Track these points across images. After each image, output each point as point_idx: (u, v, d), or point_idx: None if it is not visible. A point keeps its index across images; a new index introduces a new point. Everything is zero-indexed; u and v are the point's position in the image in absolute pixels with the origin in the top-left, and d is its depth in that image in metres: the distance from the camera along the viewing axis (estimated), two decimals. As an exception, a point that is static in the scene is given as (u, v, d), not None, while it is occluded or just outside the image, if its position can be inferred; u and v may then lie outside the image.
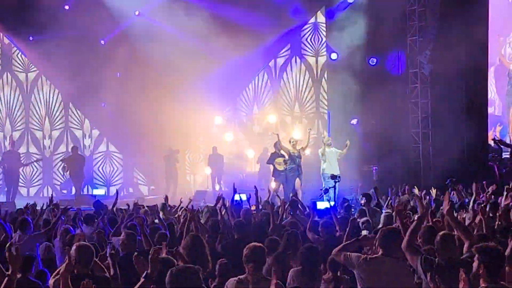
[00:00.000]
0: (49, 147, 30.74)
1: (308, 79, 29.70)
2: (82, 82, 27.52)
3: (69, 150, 28.41)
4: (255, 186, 15.90)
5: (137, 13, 27.91)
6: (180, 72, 26.36)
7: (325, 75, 29.13)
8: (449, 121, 25.43)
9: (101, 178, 30.08)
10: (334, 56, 27.79)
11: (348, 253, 8.09)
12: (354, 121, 26.43)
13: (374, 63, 27.00)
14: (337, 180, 21.42)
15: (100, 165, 30.33)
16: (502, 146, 26.36)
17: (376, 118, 25.95)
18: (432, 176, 25.52)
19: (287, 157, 23.00)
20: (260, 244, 7.76)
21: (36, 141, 30.79)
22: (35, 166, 30.10)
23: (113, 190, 20.29)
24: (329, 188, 21.49)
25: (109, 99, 28.13)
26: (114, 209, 16.07)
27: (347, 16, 26.94)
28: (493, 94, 28.88)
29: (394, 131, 25.73)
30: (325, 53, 28.97)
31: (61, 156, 29.42)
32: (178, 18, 26.02)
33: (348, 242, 8.45)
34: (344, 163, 23.70)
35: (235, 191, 16.14)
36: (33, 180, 30.45)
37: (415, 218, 10.08)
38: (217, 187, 26.44)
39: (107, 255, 8.72)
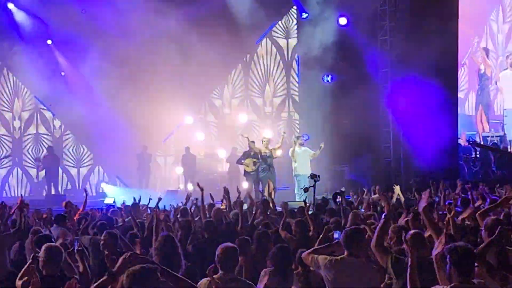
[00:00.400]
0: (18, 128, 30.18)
1: (279, 61, 29.89)
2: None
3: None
4: (224, 187, 15.83)
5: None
6: (153, 70, 26.24)
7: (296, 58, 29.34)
8: (420, 121, 25.54)
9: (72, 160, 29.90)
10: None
11: (316, 255, 8.10)
12: (325, 124, 26.34)
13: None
14: (317, 180, 21.39)
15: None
16: (477, 148, 26.63)
17: (349, 117, 26.01)
18: (404, 175, 25.65)
19: (258, 157, 23.00)
20: (233, 245, 7.75)
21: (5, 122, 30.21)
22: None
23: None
24: (309, 187, 21.46)
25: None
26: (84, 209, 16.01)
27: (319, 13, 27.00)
28: (464, 93, 29.03)
29: (366, 130, 25.80)
30: (295, 35, 29.18)
31: (30, 138, 29.34)
32: (151, 16, 25.92)
33: (319, 246, 8.44)
34: (315, 163, 23.70)
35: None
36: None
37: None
38: (190, 187, 26.34)
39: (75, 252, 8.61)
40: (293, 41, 29.77)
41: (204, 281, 7.32)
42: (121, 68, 26.14)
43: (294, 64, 29.74)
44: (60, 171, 28.29)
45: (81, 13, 27.26)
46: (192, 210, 14.12)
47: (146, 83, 26.88)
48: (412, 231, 7.91)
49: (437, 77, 25.77)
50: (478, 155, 26.88)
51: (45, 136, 29.87)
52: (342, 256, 7.92)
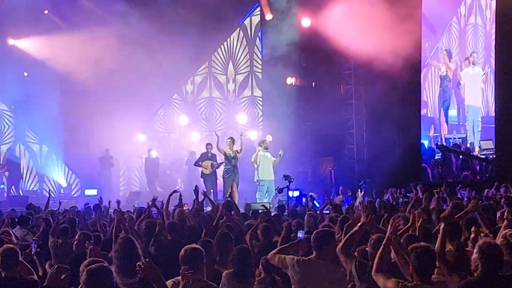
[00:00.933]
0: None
1: (242, 38, 29.97)
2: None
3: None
4: (196, 186, 15.73)
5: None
6: (113, 72, 26.01)
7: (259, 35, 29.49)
8: (383, 123, 25.66)
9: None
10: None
11: (283, 255, 8.11)
12: (288, 125, 26.41)
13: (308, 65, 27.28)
14: (291, 180, 21.43)
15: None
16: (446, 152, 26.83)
17: (312, 119, 26.08)
18: (367, 176, 25.75)
19: (215, 159, 23.06)
20: (197, 246, 7.71)
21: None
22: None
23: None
24: (283, 188, 21.49)
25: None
26: (47, 211, 15.89)
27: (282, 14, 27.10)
28: (426, 95, 29.21)
29: (329, 132, 25.86)
30: (258, 13, 29.25)
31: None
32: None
33: (284, 245, 8.44)
34: (277, 164, 23.70)
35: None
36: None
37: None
38: (147, 189, 26.24)
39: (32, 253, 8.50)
40: (256, 19, 29.76)
41: (169, 282, 7.28)
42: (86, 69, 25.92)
43: (258, 42, 29.72)
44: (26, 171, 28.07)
45: (45, 14, 27.05)
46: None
47: (112, 85, 26.60)
48: (375, 236, 7.92)
49: (400, 79, 25.93)
50: (441, 158, 27.06)
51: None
52: (310, 257, 7.92)
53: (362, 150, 27.01)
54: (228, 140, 22.71)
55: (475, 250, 6.54)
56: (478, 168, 26.63)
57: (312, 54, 27.01)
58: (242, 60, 30.04)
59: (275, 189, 22.09)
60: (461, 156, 27.19)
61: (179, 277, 7.15)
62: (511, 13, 26.89)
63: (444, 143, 27.54)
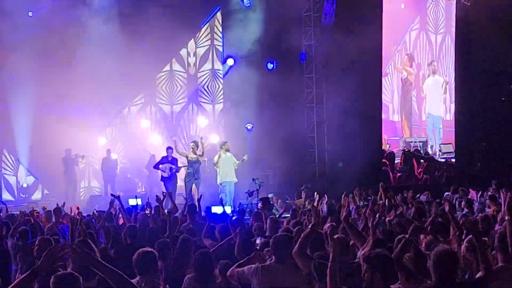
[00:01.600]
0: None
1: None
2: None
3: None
4: (157, 195, 15.64)
5: (30, 14, 27.30)
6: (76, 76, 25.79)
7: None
8: (344, 126, 25.77)
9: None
10: (230, 62, 28.04)
11: (240, 269, 8.12)
12: (249, 126, 26.50)
13: (271, 68, 27.31)
14: (260, 183, 21.49)
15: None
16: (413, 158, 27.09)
17: (273, 122, 26.11)
18: (328, 180, 25.84)
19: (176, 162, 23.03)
20: (150, 249, 7.71)
21: None
22: None
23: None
24: (254, 191, 21.50)
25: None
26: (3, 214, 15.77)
27: (244, 18, 27.06)
28: (388, 99, 29.40)
29: (291, 135, 25.90)
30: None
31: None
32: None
33: (240, 261, 8.45)
34: (239, 168, 23.69)
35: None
36: None
37: None
38: (109, 190, 26.02)
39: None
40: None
41: None
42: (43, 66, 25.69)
43: (218, 15, 29.60)
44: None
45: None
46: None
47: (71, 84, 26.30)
48: (336, 236, 7.94)
49: (362, 82, 26.11)
50: (408, 163, 27.30)
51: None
52: (269, 262, 7.93)
53: (323, 153, 27.07)
54: (192, 144, 22.67)
55: (430, 257, 6.55)
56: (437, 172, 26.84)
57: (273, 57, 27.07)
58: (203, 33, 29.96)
59: (246, 192, 22.11)
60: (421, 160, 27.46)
61: (133, 280, 7.14)
62: (471, 21, 27.38)
63: (407, 148, 27.79)
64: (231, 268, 8.28)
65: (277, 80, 26.05)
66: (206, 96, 30.02)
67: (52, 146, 26.45)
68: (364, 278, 6.81)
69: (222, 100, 29.62)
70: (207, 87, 29.90)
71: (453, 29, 29.93)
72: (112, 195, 15.39)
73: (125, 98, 29.13)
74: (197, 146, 22.32)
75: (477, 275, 7.00)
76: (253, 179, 21.98)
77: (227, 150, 22.46)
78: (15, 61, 25.69)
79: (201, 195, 16.76)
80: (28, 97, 26.36)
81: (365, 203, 16.86)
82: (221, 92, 29.63)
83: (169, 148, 23.35)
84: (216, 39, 29.84)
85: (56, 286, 5.83)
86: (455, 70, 29.80)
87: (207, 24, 29.85)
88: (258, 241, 9.50)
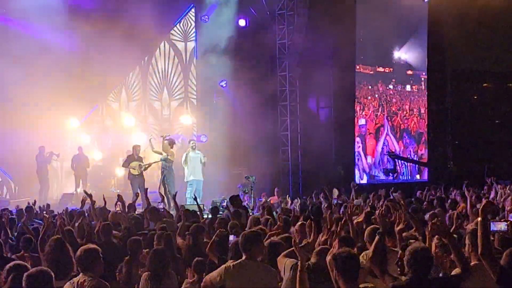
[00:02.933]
0: None
1: (178, 65, 29.78)
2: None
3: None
4: (118, 194, 15.55)
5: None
6: (47, 71, 25.55)
7: (194, 61, 29.32)
8: (318, 125, 25.90)
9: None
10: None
11: (209, 277, 8.03)
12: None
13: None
14: (253, 180, 21.61)
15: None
16: (396, 160, 27.30)
17: (247, 121, 26.11)
18: (301, 178, 25.94)
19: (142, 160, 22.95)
20: (93, 246, 7.66)
21: None
22: None
23: None
24: (251, 188, 21.66)
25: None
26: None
27: (217, 16, 27.13)
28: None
29: (264, 133, 25.94)
30: (193, 37, 29.22)
31: None
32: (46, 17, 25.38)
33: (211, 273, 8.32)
34: (213, 166, 23.67)
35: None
36: None
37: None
38: (79, 190, 25.85)
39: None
40: (191, 44, 29.61)
41: (67, 284, 7.22)
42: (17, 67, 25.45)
43: (193, 68, 29.58)
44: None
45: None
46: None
47: (41, 84, 26.05)
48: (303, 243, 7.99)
49: (334, 83, 26.25)
50: (393, 165, 27.61)
51: None
52: (240, 260, 7.92)
53: (297, 151, 27.15)
54: (166, 142, 22.63)
55: (406, 253, 6.63)
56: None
57: (246, 56, 27.01)
58: (177, 85, 29.86)
59: (242, 192, 22.26)
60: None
61: (77, 278, 7.15)
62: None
63: (393, 150, 28.13)
64: (204, 279, 8.17)
65: (250, 77, 26.07)
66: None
67: (26, 143, 26.16)
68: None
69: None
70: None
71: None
72: (85, 192, 15.40)
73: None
74: (171, 144, 22.34)
75: (454, 272, 7.07)
76: (246, 177, 22.08)
77: (194, 148, 22.49)
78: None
79: (176, 192, 16.73)
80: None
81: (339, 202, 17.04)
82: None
83: (136, 146, 23.33)
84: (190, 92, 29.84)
85: (29, 284, 5.79)
86: (427, 73, 30.17)
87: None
88: (231, 238, 9.51)
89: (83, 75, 25.89)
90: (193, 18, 29.23)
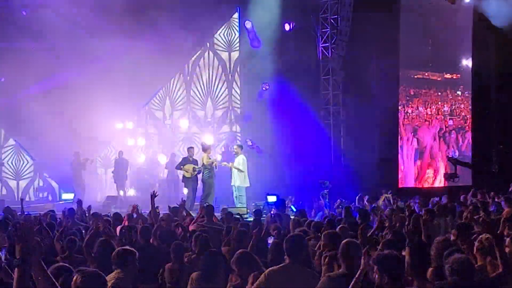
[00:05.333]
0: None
1: (222, 74, 29.85)
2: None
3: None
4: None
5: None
6: (87, 75, 25.66)
7: (238, 71, 29.50)
8: (362, 129, 25.81)
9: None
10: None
11: (257, 280, 7.81)
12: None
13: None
14: (328, 185, 21.90)
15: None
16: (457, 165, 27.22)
17: (289, 125, 26.05)
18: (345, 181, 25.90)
19: (197, 162, 22.86)
20: (126, 248, 7.77)
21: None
22: None
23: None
24: (326, 193, 22.05)
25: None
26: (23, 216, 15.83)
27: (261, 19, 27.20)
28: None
29: (307, 137, 25.93)
30: (237, 48, 29.26)
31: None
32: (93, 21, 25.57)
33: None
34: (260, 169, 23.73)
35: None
36: None
37: None
38: (121, 193, 25.95)
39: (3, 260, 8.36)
40: (235, 54, 29.64)
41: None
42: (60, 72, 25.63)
43: (237, 77, 29.63)
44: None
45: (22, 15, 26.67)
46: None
47: (84, 90, 26.12)
48: (346, 240, 7.92)
49: (378, 86, 26.15)
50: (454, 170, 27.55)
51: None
52: (283, 264, 7.86)
53: (339, 156, 27.04)
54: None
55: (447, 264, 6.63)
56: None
57: (289, 62, 26.96)
58: (221, 95, 29.96)
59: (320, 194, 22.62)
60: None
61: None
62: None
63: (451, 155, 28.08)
64: None
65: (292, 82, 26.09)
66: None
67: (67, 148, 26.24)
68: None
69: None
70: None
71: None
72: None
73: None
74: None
75: (496, 272, 7.04)
76: (320, 183, 22.22)
77: (236, 154, 22.59)
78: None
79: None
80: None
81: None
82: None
83: (190, 148, 23.35)
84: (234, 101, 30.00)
85: (84, 284, 5.76)
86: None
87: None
88: (270, 241, 9.53)
89: (129, 79, 26.03)
90: (237, 28, 29.28)
